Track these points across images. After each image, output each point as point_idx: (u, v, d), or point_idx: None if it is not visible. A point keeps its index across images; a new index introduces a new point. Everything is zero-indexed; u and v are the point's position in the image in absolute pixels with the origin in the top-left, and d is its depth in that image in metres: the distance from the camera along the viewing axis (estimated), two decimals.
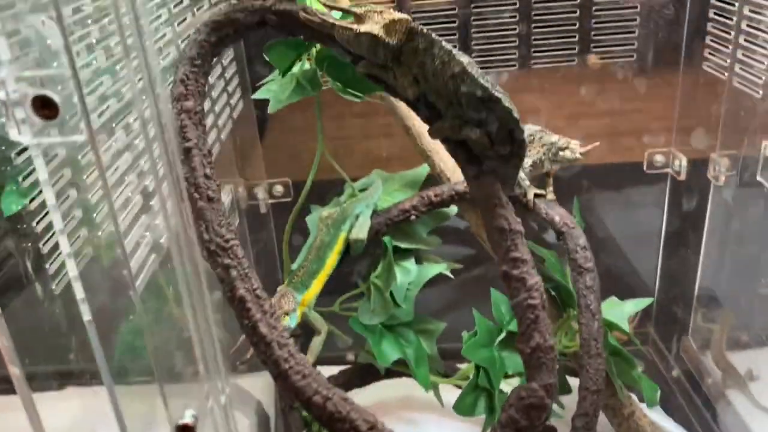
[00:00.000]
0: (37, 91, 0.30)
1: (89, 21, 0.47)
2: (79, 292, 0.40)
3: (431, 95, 0.56)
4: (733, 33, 0.81)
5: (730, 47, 0.81)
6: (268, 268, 1.02)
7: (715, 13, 0.85)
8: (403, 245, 0.87)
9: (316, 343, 0.77)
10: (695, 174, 0.97)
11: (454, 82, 0.53)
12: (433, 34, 0.53)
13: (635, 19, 0.91)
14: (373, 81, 0.59)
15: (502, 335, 0.84)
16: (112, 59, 0.49)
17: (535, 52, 0.93)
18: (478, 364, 0.76)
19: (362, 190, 0.88)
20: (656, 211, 1.04)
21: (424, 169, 0.90)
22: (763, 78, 0.75)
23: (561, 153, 0.78)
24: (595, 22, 0.91)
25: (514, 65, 0.94)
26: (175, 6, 0.70)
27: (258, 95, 0.71)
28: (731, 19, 0.81)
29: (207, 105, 0.78)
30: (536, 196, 0.81)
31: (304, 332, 0.81)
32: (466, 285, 1.03)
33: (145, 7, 0.38)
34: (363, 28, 0.54)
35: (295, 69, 0.70)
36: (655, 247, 1.07)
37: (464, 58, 0.53)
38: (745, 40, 0.78)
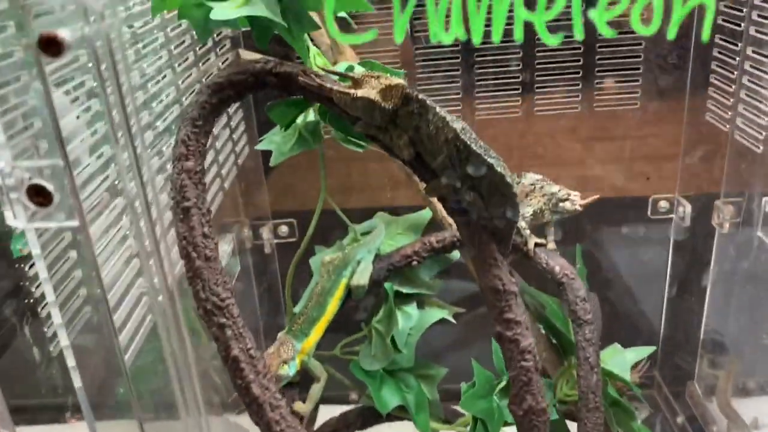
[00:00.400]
0: (33, 180, 0.32)
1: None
2: (70, 360, 0.41)
3: (427, 156, 0.57)
4: (734, 87, 0.81)
5: (732, 100, 0.82)
6: (272, 310, 1.03)
7: (718, 65, 0.85)
8: (405, 290, 0.88)
9: (315, 390, 0.78)
10: (700, 220, 0.97)
11: (448, 147, 0.54)
12: (428, 100, 0.54)
13: (639, 68, 0.92)
14: (371, 140, 0.60)
15: (502, 383, 0.84)
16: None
17: (538, 99, 0.94)
18: (475, 416, 0.76)
19: (365, 233, 0.89)
20: (661, 255, 1.04)
21: (427, 213, 0.91)
22: (764, 134, 0.75)
23: (561, 204, 0.78)
24: (599, 71, 0.92)
25: (517, 112, 0.95)
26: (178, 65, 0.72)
27: (261, 146, 0.72)
28: (733, 74, 0.82)
29: (212, 153, 0.80)
30: (537, 245, 0.81)
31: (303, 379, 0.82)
32: (470, 327, 1.03)
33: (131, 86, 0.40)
34: (360, 92, 0.55)
35: (299, 120, 0.72)
36: (660, 292, 1.07)
37: (458, 125, 0.54)
38: (746, 95, 0.79)
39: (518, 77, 0.92)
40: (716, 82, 0.87)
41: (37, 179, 0.31)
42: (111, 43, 0.41)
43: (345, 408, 0.97)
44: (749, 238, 0.87)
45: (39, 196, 0.32)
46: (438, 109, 0.54)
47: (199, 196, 0.56)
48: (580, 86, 0.93)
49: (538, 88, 0.93)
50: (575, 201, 0.78)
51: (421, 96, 0.55)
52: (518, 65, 0.92)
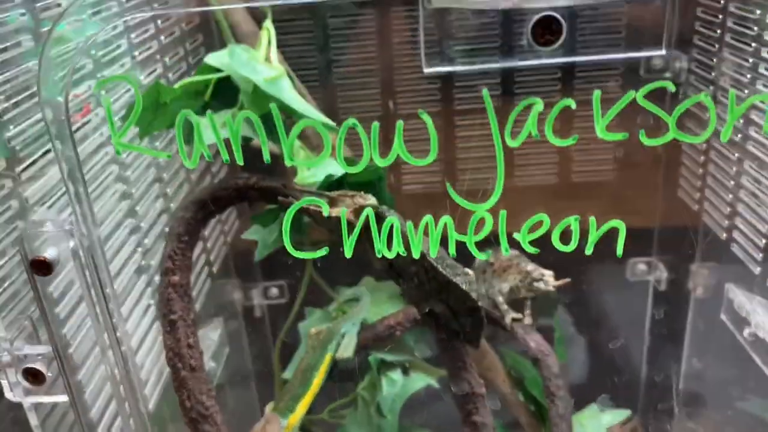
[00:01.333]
0: (28, 363, 0.35)
1: None
2: None
3: (400, 270, 0.61)
4: (701, 170, 0.84)
5: (699, 183, 0.85)
6: (262, 374, 1.06)
7: (686, 150, 0.89)
8: (389, 357, 0.91)
9: None
10: (677, 283, 1.00)
11: (416, 265, 0.58)
12: (397, 220, 0.58)
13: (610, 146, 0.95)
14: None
15: None
16: None
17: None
18: None
19: (351, 300, 0.92)
20: (639, 317, 1.07)
21: None
22: (726, 223, 0.78)
23: (536, 284, 0.82)
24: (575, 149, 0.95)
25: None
26: None
27: (247, 235, 0.76)
28: (699, 159, 0.85)
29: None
30: (514, 320, 0.85)
31: None
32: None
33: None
34: (334, 211, 0.59)
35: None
36: (640, 350, 1.10)
37: (424, 245, 0.57)
38: (714, 182, 0.82)
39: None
40: (686, 162, 0.90)
41: (32, 362, 0.35)
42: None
43: None
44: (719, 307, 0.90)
45: (33, 376, 0.35)
46: (405, 229, 0.58)
47: (184, 308, 0.60)
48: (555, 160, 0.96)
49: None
50: (548, 282, 0.81)
51: (389, 215, 0.58)
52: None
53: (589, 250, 0.41)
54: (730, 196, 0.77)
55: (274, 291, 1.05)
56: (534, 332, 0.85)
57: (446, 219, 0.42)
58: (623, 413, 0.92)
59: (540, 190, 0.99)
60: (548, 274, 0.82)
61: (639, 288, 1.04)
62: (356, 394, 0.91)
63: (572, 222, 0.39)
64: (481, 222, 0.41)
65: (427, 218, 0.43)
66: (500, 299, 0.85)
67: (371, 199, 0.59)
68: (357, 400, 0.91)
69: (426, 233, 0.57)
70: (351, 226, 0.59)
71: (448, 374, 0.63)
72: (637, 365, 1.12)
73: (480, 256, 0.44)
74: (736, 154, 0.75)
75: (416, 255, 0.47)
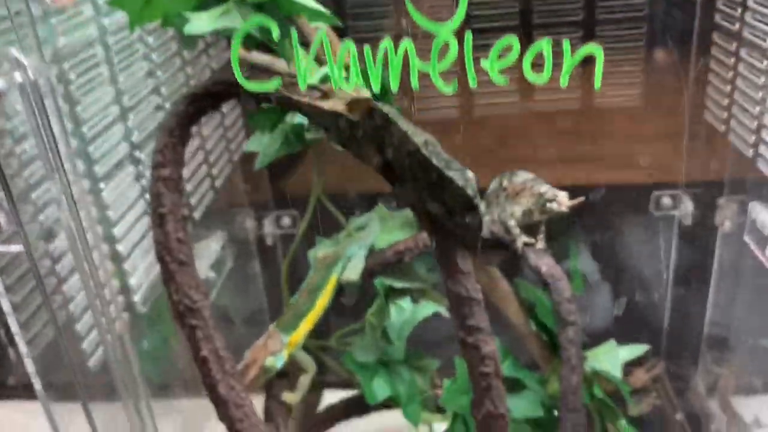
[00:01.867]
0: None
1: None
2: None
3: (395, 165, 0.58)
4: (729, 87, 0.79)
5: (727, 101, 0.80)
6: (274, 301, 1.06)
7: (715, 61, 0.83)
8: (398, 285, 0.90)
9: (304, 382, 0.81)
10: (704, 218, 0.95)
11: (410, 160, 0.55)
12: (392, 114, 0.56)
13: (640, 64, 0.90)
14: (343, 147, 0.61)
15: None
16: None
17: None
18: (456, 412, 0.78)
19: (361, 228, 0.91)
20: (665, 252, 1.03)
21: None
22: (753, 138, 0.73)
23: (548, 205, 0.78)
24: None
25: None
26: None
27: (249, 147, 0.75)
28: (728, 71, 0.80)
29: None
30: (525, 244, 0.82)
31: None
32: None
33: None
34: (327, 105, 0.57)
35: (288, 120, 0.74)
36: (664, 288, 1.06)
37: (420, 138, 0.55)
38: (740, 95, 0.77)
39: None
40: (713, 80, 0.85)
41: None
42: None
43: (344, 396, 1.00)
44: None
45: None
46: (401, 122, 0.55)
47: (174, 203, 0.58)
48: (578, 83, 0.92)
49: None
50: (562, 202, 0.78)
51: (385, 109, 0.56)
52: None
53: (564, 81, 0.37)
54: (757, 108, 0.72)
55: (287, 221, 1.04)
56: (546, 256, 0.82)
57: (407, 44, 0.39)
58: (641, 348, 0.88)
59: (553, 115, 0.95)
60: (562, 195, 0.79)
61: (664, 223, 1.00)
62: (365, 320, 0.90)
63: (544, 46, 0.36)
64: (445, 47, 0.38)
65: (386, 43, 0.39)
66: (512, 223, 0.82)
67: (366, 93, 0.56)
68: (365, 326, 0.90)
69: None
70: (348, 122, 0.57)
71: (443, 278, 0.60)
72: (660, 307, 1.08)
73: (444, 88, 0.41)
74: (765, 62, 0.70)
75: (376, 88, 0.44)
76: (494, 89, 0.93)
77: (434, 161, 0.55)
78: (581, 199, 0.77)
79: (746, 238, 0.75)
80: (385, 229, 0.92)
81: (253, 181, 1.03)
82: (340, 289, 0.86)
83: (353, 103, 0.56)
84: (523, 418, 0.82)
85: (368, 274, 0.87)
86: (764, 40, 0.72)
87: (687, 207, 0.95)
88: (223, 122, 0.87)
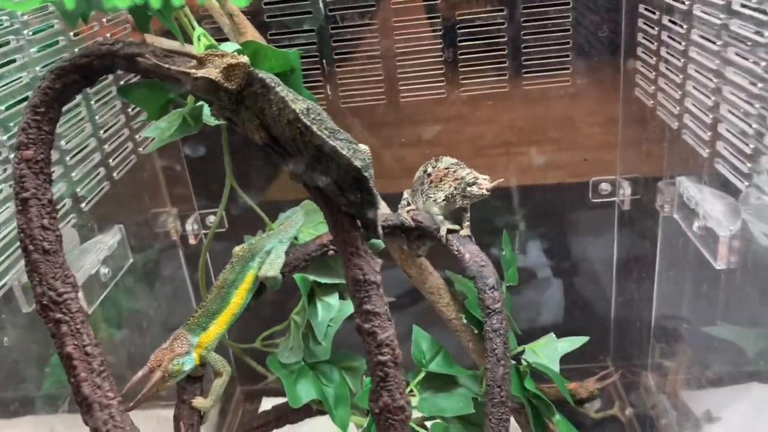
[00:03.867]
0: None
1: None
2: None
3: (281, 139, 0.54)
4: (655, 59, 0.75)
5: (654, 74, 0.76)
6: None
7: (643, 37, 0.80)
8: (324, 280, 0.85)
9: (217, 385, 0.75)
10: (644, 202, 0.92)
11: (291, 129, 0.51)
12: (270, 79, 0.51)
13: (568, 43, 0.87)
14: (230, 123, 0.57)
15: (420, 376, 0.81)
16: None
17: (463, 79, 0.89)
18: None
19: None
20: (607, 240, 0.99)
21: None
22: (678, 108, 0.69)
23: (469, 188, 0.74)
24: (525, 47, 0.87)
25: (443, 93, 0.91)
26: None
27: (146, 133, 0.70)
28: (653, 43, 0.76)
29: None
30: (450, 231, 0.78)
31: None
32: (411, 317, 1.00)
33: None
34: (201, 72, 0.52)
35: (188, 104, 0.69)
36: (609, 279, 1.02)
37: (300, 105, 0.50)
38: (666, 67, 0.73)
39: (441, 56, 0.88)
40: (642, 55, 0.82)
41: None
42: None
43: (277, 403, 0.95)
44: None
45: None
46: (279, 88, 0.51)
47: (39, 186, 0.53)
48: (507, 63, 0.88)
49: (462, 67, 0.88)
50: (482, 185, 0.74)
51: (262, 75, 0.51)
52: (440, 44, 0.88)
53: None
54: (681, 76, 0.69)
55: (212, 219, 0.99)
56: (471, 243, 0.77)
57: None
58: (580, 339, 0.84)
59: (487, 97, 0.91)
60: (482, 178, 0.75)
61: (605, 210, 0.96)
62: (289, 320, 0.85)
63: None
64: None
65: None
66: (435, 210, 0.78)
67: (243, 58, 0.52)
68: (290, 325, 0.85)
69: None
70: (225, 91, 0.52)
71: (342, 261, 0.56)
72: (607, 298, 1.04)
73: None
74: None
75: None
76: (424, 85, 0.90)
77: (315, 129, 0.50)
78: (500, 180, 0.73)
79: (676, 216, 0.71)
80: (310, 222, 0.88)
81: (178, 180, 0.98)
82: (261, 286, 0.81)
83: (229, 70, 0.52)
84: (454, 416, 0.78)
85: (290, 269, 0.82)
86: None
87: (626, 192, 0.92)
88: (127, 110, 0.82)
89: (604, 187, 0.94)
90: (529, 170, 0.96)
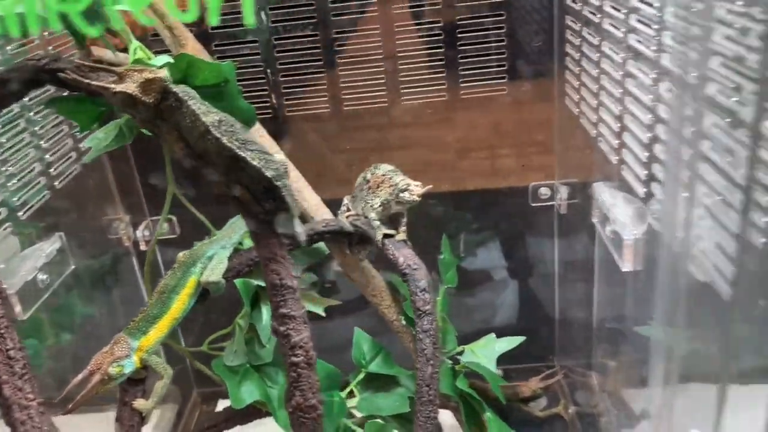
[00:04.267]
0: None
1: None
2: None
3: (198, 151, 0.56)
4: (578, 68, 0.78)
5: (578, 83, 0.79)
6: None
7: (570, 48, 0.83)
8: None
9: (159, 387, 0.77)
10: (580, 206, 0.95)
11: (203, 141, 0.53)
12: (184, 93, 0.53)
13: (504, 53, 0.90)
14: (154, 135, 0.59)
15: (360, 377, 0.84)
16: None
17: (403, 88, 0.92)
18: None
19: None
20: (548, 243, 1.02)
21: None
22: (595, 117, 0.72)
23: (401, 194, 0.77)
24: (462, 57, 0.90)
25: (386, 102, 0.93)
26: None
27: (87, 143, 0.72)
28: (577, 54, 0.79)
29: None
30: (386, 236, 0.80)
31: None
32: (357, 319, 1.02)
33: None
34: (119, 87, 0.54)
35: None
36: (552, 281, 1.05)
37: (210, 118, 0.53)
38: (586, 77, 0.76)
39: (382, 67, 0.91)
40: (569, 64, 0.85)
41: None
42: None
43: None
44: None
45: None
46: (192, 102, 0.53)
47: None
48: (444, 73, 0.91)
49: (402, 76, 0.91)
50: (413, 191, 0.76)
51: (177, 88, 0.54)
52: (380, 54, 0.90)
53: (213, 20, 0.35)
54: (596, 86, 0.72)
55: (164, 225, 1.01)
56: (405, 247, 0.80)
57: None
58: (517, 339, 0.87)
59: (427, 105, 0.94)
60: (414, 184, 0.78)
61: (546, 214, 0.99)
62: (234, 324, 0.87)
63: None
64: None
65: None
66: (372, 215, 0.81)
67: (160, 73, 0.54)
68: (235, 329, 0.87)
69: None
70: (143, 105, 0.54)
71: (261, 267, 0.58)
72: (551, 299, 1.07)
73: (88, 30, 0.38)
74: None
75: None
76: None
77: (225, 141, 0.52)
78: (429, 186, 0.76)
79: (594, 220, 0.74)
80: None
81: (131, 187, 1.00)
82: (206, 291, 0.83)
83: (146, 84, 0.54)
84: (390, 415, 0.80)
85: (234, 274, 0.84)
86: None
87: (563, 196, 0.95)
88: (70, 121, 0.84)
89: (544, 191, 0.97)
90: (472, 176, 0.98)
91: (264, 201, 0.56)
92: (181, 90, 0.54)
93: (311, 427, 0.54)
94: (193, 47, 0.82)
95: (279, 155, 0.58)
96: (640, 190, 0.59)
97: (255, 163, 0.53)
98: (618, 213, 0.63)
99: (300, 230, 0.62)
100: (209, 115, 0.53)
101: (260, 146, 0.55)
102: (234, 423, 0.97)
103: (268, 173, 0.54)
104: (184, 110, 0.53)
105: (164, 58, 0.71)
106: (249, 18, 0.40)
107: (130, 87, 0.54)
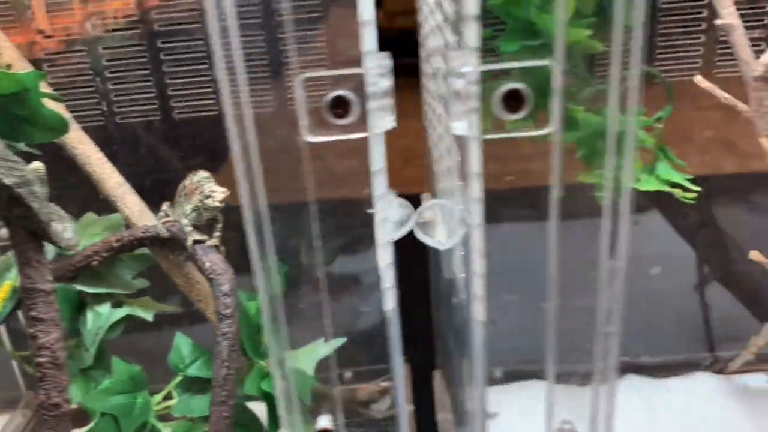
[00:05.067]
0: None
1: None
2: None
3: None
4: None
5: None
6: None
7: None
8: (94, 290, 0.88)
9: None
10: None
11: None
12: None
13: None
14: None
15: (177, 380, 0.85)
16: None
17: None
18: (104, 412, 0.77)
19: None
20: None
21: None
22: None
23: (206, 201, 0.79)
24: None
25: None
26: None
27: None
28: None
29: None
30: (197, 242, 0.82)
31: None
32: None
33: None
34: None
35: None
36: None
37: None
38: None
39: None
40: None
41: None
42: None
43: None
44: None
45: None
46: None
47: None
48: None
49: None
50: (216, 197, 0.79)
51: None
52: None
53: None
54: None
55: (4, 231, 1.01)
56: (213, 252, 0.82)
57: None
58: (339, 341, 0.90)
59: None
60: (218, 191, 0.80)
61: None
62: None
63: None
64: None
65: None
66: (184, 221, 0.83)
67: None
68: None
69: None
70: None
71: (18, 270, 0.60)
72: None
73: None
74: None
75: None
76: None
77: None
78: (227, 192, 0.78)
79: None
80: (87, 235, 0.91)
81: None
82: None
83: None
84: (201, 416, 0.83)
85: (55, 279, 0.86)
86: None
87: None
88: None
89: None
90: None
91: (12, 207, 0.58)
92: None
93: (53, 424, 0.56)
94: (11, 56, 0.84)
95: (36, 163, 0.60)
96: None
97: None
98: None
99: (70, 236, 0.64)
100: None
101: (6, 155, 0.57)
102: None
103: (8, 181, 0.56)
104: None
105: None
106: None
107: None
